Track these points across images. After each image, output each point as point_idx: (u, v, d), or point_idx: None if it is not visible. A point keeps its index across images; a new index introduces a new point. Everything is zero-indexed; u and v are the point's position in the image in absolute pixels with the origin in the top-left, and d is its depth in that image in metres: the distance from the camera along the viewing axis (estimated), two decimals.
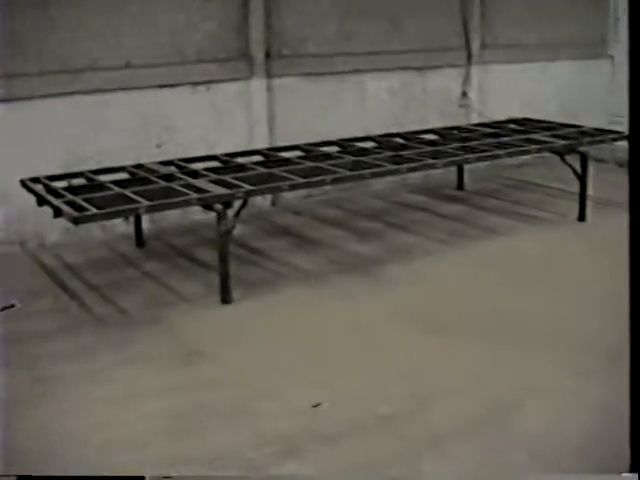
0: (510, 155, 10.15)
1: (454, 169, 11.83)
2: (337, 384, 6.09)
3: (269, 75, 11.18)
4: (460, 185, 12.04)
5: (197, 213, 10.17)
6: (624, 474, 3.52)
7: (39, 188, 8.31)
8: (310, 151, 9.98)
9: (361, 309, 7.58)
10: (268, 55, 11.17)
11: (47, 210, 7.80)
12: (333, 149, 10.12)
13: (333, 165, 8.99)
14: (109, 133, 10.04)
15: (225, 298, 7.77)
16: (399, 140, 10.71)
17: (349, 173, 8.75)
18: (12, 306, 7.89)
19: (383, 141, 10.59)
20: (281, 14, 11.28)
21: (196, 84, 10.61)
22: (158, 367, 6.46)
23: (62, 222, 8.00)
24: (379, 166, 9.02)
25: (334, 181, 8.71)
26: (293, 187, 8.47)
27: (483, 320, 7.19)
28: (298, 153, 9.95)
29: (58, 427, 5.59)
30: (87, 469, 5.05)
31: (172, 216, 10.31)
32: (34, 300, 8.03)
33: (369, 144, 10.46)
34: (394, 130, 11.48)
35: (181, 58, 10.47)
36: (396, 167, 9.11)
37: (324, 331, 7.09)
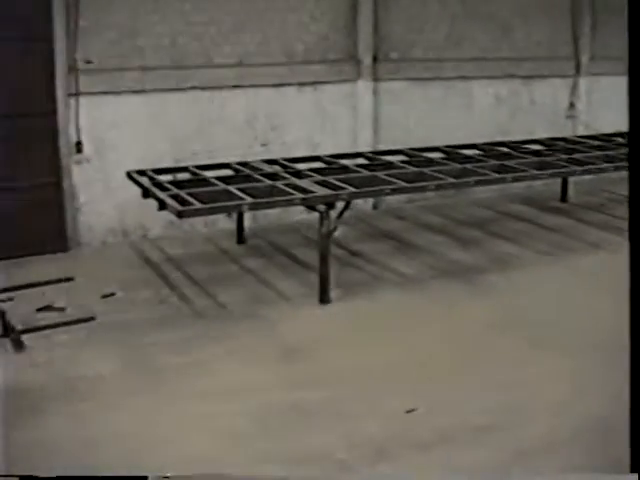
0: (617, 169, 10.01)
1: (558, 181, 11.70)
2: (433, 391, 6.09)
3: (375, 78, 11.23)
4: (564, 197, 11.90)
5: (298, 213, 10.28)
6: (624, 474, 3.46)
7: (144, 181, 8.50)
8: (414, 156, 9.99)
9: (459, 317, 7.56)
10: (375, 58, 11.23)
11: (151, 203, 7.99)
12: (437, 155, 10.13)
13: (437, 171, 8.99)
14: (218, 130, 10.24)
15: (323, 298, 7.85)
16: (504, 149, 10.65)
17: (453, 180, 8.75)
18: (112, 294, 8.09)
19: (488, 149, 10.54)
20: (390, 17, 11.31)
21: (303, 84, 10.73)
22: (255, 363, 6.57)
23: (165, 215, 8.16)
24: (483, 174, 8.99)
25: (437, 187, 8.72)
26: (396, 191, 8.52)
27: (583, 334, 7.09)
28: (402, 157, 9.96)
29: (162, 416, 5.74)
30: (177, 460, 5.16)
31: (273, 214, 10.43)
32: (135, 290, 8.23)
33: (474, 152, 10.43)
34: (499, 139, 11.42)
35: (290, 58, 10.61)
36: (500, 176, 9.07)
37: (421, 336, 7.10)
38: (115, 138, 9.65)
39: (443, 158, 9.90)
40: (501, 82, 12.36)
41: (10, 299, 7.85)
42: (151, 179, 8.56)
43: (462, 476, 5.15)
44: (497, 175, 9.08)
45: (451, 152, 10.30)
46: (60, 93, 9.25)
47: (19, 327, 7.16)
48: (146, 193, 8.21)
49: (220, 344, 6.91)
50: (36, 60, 9.09)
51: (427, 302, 7.94)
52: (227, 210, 8.52)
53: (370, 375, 6.34)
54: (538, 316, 7.52)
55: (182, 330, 7.24)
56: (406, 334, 7.14)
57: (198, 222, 10.11)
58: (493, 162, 9.58)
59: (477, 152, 10.43)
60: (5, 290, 8.06)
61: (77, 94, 9.32)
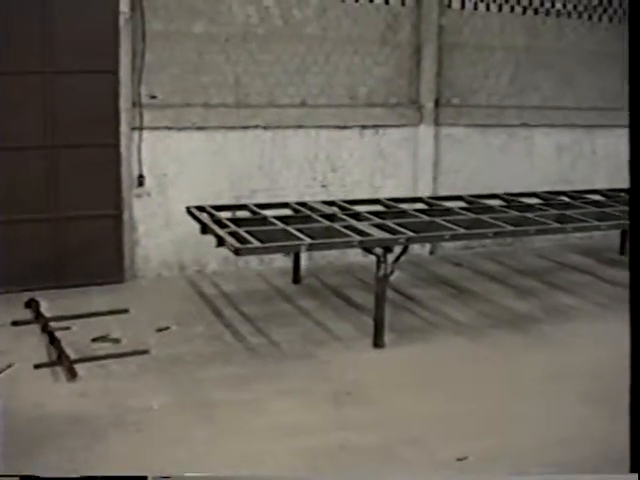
0: None
1: (618, 232, 11.62)
2: (485, 439, 6.03)
3: (437, 123, 11.29)
4: (623, 249, 11.80)
5: (354, 254, 10.32)
6: (624, 474, 3.49)
7: (204, 217, 8.61)
8: (473, 203, 10.02)
9: (515, 367, 7.49)
10: (437, 103, 11.28)
11: (208, 239, 8.09)
12: (497, 202, 10.14)
13: (496, 219, 8.98)
14: (278, 169, 10.37)
15: (377, 342, 7.85)
16: (564, 199, 10.62)
17: (512, 228, 8.74)
18: (167, 328, 8.17)
19: (548, 198, 10.53)
20: (453, 63, 11.39)
21: (365, 127, 10.81)
22: (307, 403, 6.57)
23: (221, 251, 8.24)
24: (543, 223, 8.96)
25: (496, 235, 8.72)
26: (454, 237, 8.53)
27: None
28: (461, 204, 10.00)
29: (215, 452, 5.75)
30: None
31: (329, 255, 10.51)
32: (190, 325, 8.32)
33: (534, 200, 10.41)
34: (560, 188, 11.39)
35: (352, 101, 10.72)
36: (560, 226, 9.05)
37: (475, 386, 7.05)
38: (176, 173, 9.81)
39: (503, 206, 9.90)
40: (563, 131, 12.33)
41: (67, 328, 7.98)
42: (210, 215, 8.68)
43: (462, 476, 5.19)
44: (557, 225, 9.05)
45: (511, 200, 10.31)
46: (124, 126, 9.42)
47: (73, 356, 7.27)
48: (205, 229, 8.30)
49: (272, 383, 6.94)
50: (101, 92, 9.29)
51: (482, 351, 7.90)
52: (285, 250, 8.60)
53: (422, 422, 6.30)
54: (594, 369, 7.41)
55: (234, 367, 7.28)
56: (460, 383, 7.10)
57: (254, 259, 10.24)
58: (553, 211, 9.55)
59: (537, 201, 10.41)
60: (62, 318, 8.21)
61: (140, 128, 9.50)
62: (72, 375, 6.90)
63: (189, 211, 8.92)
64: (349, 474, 5.41)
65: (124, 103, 9.36)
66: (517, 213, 9.39)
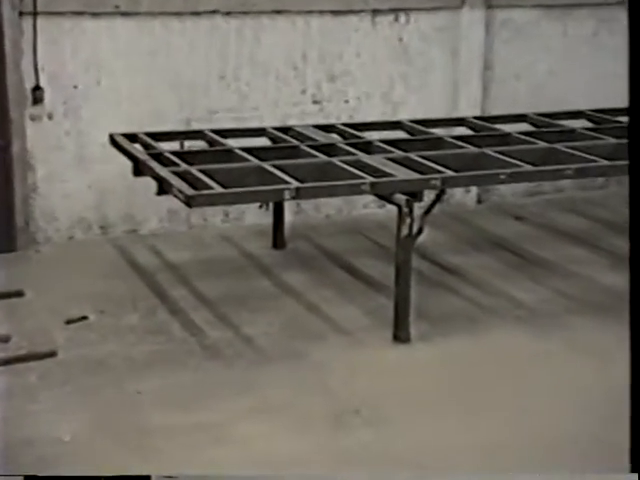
0: None
1: None
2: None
3: (489, 4, 11.25)
4: None
5: (364, 205, 10.37)
6: (624, 474, 3.97)
7: (137, 149, 8.66)
8: (544, 125, 10.08)
9: (609, 375, 7.27)
10: None
11: (145, 183, 8.16)
12: (580, 124, 10.16)
13: (577, 149, 8.99)
14: (248, 77, 10.39)
15: (399, 334, 7.91)
16: None
17: (603, 163, 8.72)
18: (85, 318, 8.25)
19: None
20: None
21: (378, 12, 10.80)
22: (295, 427, 6.63)
23: (166, 202, 8.30)
24: None
25: (579, 173, 8.74)
26: (515, 178, 8.56)
27: None
28: (525, 127, 10.06)
29: None
30: None
31: (326, 206, 10.56)
32: (117, 312, 8.39)
33: None
34: None
35: None
36: None
37: (545, 402, 7.06)
38: (92, 84, 9.82)
39: (589, 128, 9.94)
40: None
41: None
42: (147, 147, 8.73)
43: (462, 476, 5.48)
44: None
45: (602, 120, 10.34)
46: (7, 10, 9.33)
47: None
48: (139, 169, 8.32)
49: (242, 397, 6.99)
50: None
51: (555, 349, 7.93)
52: (260, 198, 8.62)
53: (460, 454, 6.32)
54: None
55: (185, 375, 7.34)
56: (522, 398, 7.13)
57: (215, 213, 10.31)
58: None
59: None
60: None
61: (34, 14, 9.42)
62: None
63: (114, 141, 8.96)
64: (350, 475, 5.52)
65: None
66: (613, 140, 9.39)
